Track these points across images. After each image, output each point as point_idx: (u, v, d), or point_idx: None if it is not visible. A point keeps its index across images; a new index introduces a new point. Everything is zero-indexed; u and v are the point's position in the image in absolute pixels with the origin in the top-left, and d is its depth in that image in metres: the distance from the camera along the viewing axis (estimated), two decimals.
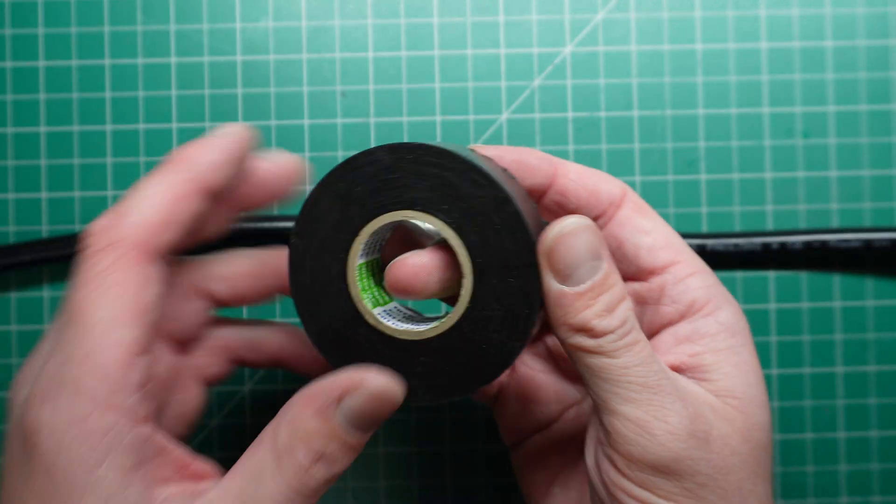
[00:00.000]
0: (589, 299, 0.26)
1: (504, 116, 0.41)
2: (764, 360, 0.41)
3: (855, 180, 0.41)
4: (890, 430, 0.41)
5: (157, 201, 0.26)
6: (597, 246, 0.27)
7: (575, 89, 0.41)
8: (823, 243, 0.39)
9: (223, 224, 0.31)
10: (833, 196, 0.41)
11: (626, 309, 0.27)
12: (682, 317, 0.30)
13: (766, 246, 0.40)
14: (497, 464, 0.41)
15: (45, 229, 0.40)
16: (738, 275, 0.41)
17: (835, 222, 0.41)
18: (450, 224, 0.27)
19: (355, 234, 0.28)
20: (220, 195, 0.28)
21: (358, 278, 0.28)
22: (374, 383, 0.26)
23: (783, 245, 0.40)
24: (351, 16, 0.41)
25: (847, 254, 0.40)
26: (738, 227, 0.41)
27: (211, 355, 0.32)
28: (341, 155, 0.41)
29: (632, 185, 0.41)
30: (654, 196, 0.41)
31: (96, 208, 0.40)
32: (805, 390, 0.41)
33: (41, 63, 0.40)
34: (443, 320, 0.28)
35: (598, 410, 0.27)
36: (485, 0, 0.41)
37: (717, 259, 0.40)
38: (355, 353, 0.28)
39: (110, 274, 0.25)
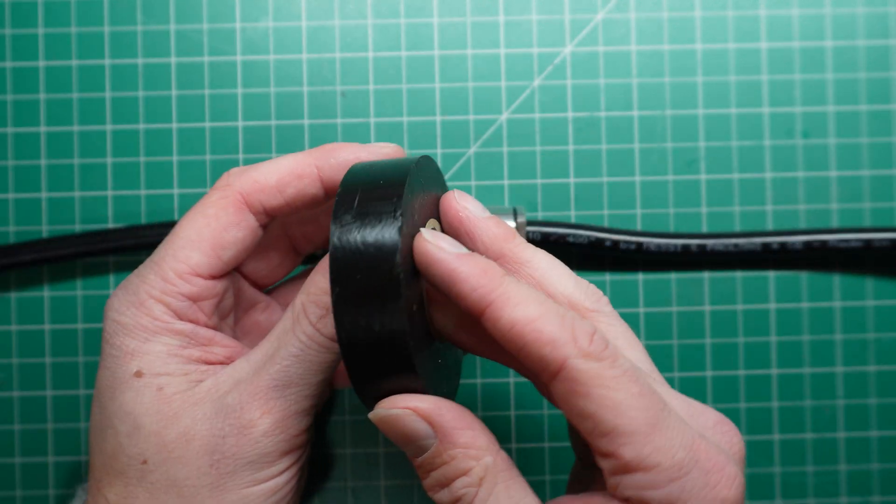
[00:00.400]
0: (422, 472, 0.27)
1: (504, 116, 0.41)
2: (763, 360, 0.41)
3: (855, 180, 0.41)
4: (890, 430, 0.41)
5: (280, 168, 0.32)
6: (415, 431, 0.26)
7: (575, 89, 0.41)
8: (823, 243, 0.39)
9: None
10: (833, 196, 0.41)
11: (461, 485, 0.26)
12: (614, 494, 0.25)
13: (766, 246, 0.40)
14: None
15: (45, 229, 0.40)
16: (738, 275, 0.41)
17: (835, 222, 0.41)
18: None
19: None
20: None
21: None
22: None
23: (783, 245, 0.40)
24: (351, 16, 0.41)
25: (847, 254, 0.40)
26: (738, 227, 0.41)
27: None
28: None
29: (631, 185, 0.41)
30: (654, 196, 0.41)
31: (96, 208, 0.40)
32: (805, 390, 0.41)
33: (41, 63, 0.40)
34: None
35: None
36: (485, 0, 0.41)
37: (716, 259, 0.40)
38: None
39: (209, 207, 0.31)
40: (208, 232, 0.31)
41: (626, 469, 0.25)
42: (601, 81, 0.41)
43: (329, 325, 0.29)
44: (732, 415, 0.41)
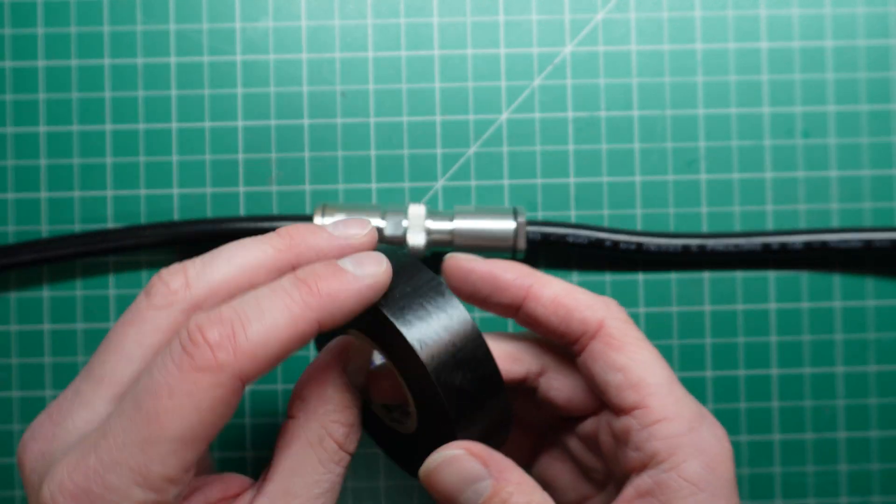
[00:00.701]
0: None
1: (504, 116, 0.41)
2: (764, 360, 0.41)
3: (855, 180, 0.41)
4: (890, 430, 0.41)
5: (276, 335, 0.25)
6: (470, 472, 0.27)
7: (575, 89, 0.41)
8: (823, 243, 0.39)
9: None
10: (833, 196, 0.41)
11: None
12: (644, 466, 0.28)
13: (766, 246, 0.40)
14: None
15: (45, 229, 0.40)
16: (738, 275, 0.41)
17: (835, 222, 0.41)
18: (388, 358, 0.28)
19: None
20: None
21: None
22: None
23: (783, 245, 0.40)
24: (351, 16, 0.41)
25: (847, 254, 0.40)
26: (738, 227, 0.41)
27: None
28: (341, 155, 0.41)
29: (631, 185, 0.41)
30: (654, 196, 0.41)
31: (96, 208, 0.40)
32: (805, 390, 0.41)
33: (41, 63, 0.40)
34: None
35: None
36: (485, 0, 0.41)
37: (717, 259, 0.40)
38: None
39: (203, 400, 0.24)
40: (203, 428, 0.24)
41: (654, 418, 0.28)
42: (601, 81, 0.41)
43: (354, 440, 0.28)
44: (732, 415, 0.41)
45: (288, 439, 0.27)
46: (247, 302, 0.25)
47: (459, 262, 0.30)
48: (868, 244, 0.39)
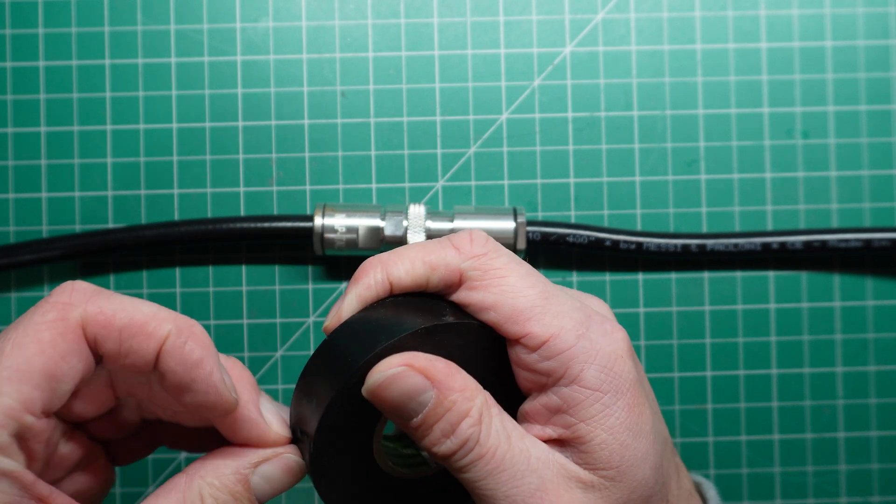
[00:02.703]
0: (424, 430, 0.27)
1: (504, 116, 0.41)
2: (764, 360, 0.41)
3: (855, 180, 0.41)
4: (890, 430, 0.41)
5: (133, 312, 0.26)
6: (414, 386, 0.27)
7: (575, 89, 0.41)
8: (823, 243, 0.39)
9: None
10: (833, 196, 0.41)
11: (467, 427, 0.27)
12: (546, 385, 0.29)
13: (766, 246, 0.40)
14: None
15: (45, 229, 0.40)
16: (738, 275, 0.41)
17: (835, 222, 0.41)
18: None
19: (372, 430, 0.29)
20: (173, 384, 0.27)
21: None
22: (291, 455, 0.29)
23: (783, 245, 0.40)
24: (351, 16, 0.41)
25: (847, 254, 0.40)
26: (738, 227, 0.41)
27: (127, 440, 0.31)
28: (341, 155, 0.41)
29: (631, 185, 0.41)
30: (654, 196, 0.41)
31: (96, 208, 0.40)
32: (805, 390, 0.41)
33: (41, 63, 0.40)
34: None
35: None
36: (485, 0, 0.41)
37: (716, 259, 0.40)
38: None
39: (44, 331, 0.25)
40: (41, 361, 0.25)
41: (539, 341, 0.28)
42: (601, 81, 0.41)
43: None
44: (732, 415, 0.41)
45: (168, 488, 0.28)
46: (131, 297, 0.27)
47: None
48: (868, 244, 0.39)
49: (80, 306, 0.26)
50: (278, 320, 0.41)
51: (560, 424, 0.29)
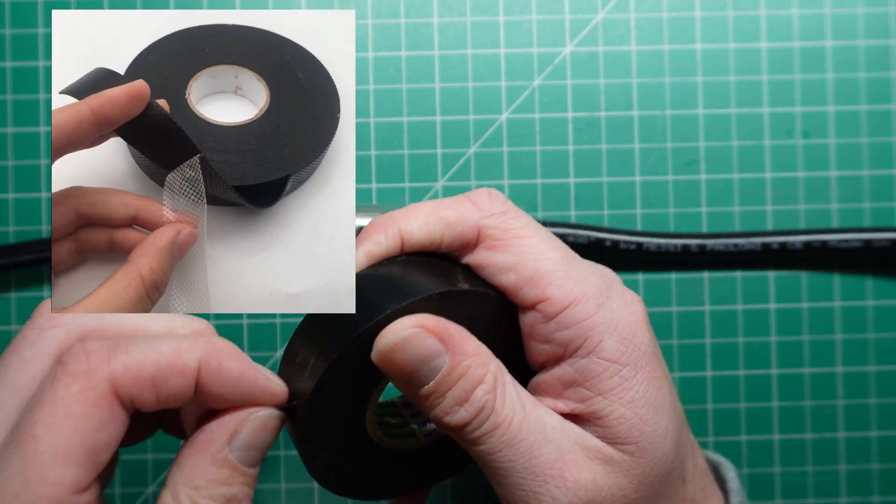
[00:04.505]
0: (436, 398, 0.26)
1: (504, 116, 0.41)
2: (763, 360, 0.41)
3: (855, 180, 0.41)
4: (890, 430, 0.41)
5: (158, 358, 0.24)
6: (428, 348, 0.26)
7: (575, 89, 0.41)
8: (823, 243, 0.39)
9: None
10: (833, 196, 0.41)
11: (483, 392, 0.26)
12: (561, 357, 0.27)
13: (766, 246, 0.40)
14: None
15: (45, 229, 0.40)
16: (738, 275, 0.41)
17: (835, 222, 0.41)
18: None
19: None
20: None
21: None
22: (260, 414, 0.26)
23: (783, 245, 0.40)
24: None
25: (847, 254, 0.40)
26: (738, 227, 0.41)
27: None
28: None
29: (631, 185, 0.41)
30: (654, 196, 0.41)
31: None
32: (805, 390, 0.41)
33: (41, 63, 0.40)
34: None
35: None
36: (485, 0, 0.41)
37: (716, 259, 0.40)
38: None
39: (73, 405, 0.23)
40: (79, 437, 0.23)
41: (559, 307, 0.27)
42: (601, 81, 0.41)
43: None
44: (732, 415, 0.41)
45: None
46: (139, 337, 0.25)
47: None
48: (868, 244, 0.39)
49: (103, 370, 0.24)
50: (278, 321, 0.41)
51: (574, 398, 0.27)
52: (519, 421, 0.26)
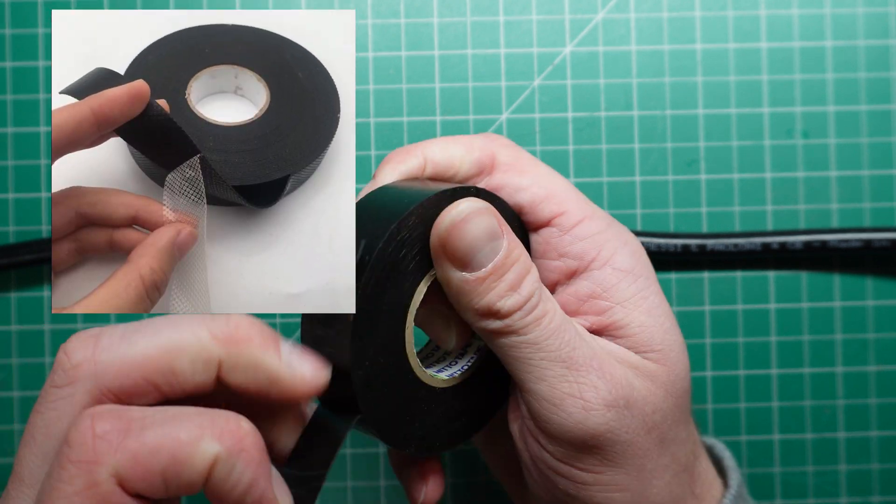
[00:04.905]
0: (492, 282, 0.26)
1: (504, 116, 0.41)
2: (764, 360, 0.41)
3: (855, 180, 0.41)
4: (890, 430, 0.41)
5: (172, 447, 0.22)
6: (492, 227, 0.26)
7: (575, 89, 0.41)
8: (823, 243, 0.39)
9: None
10: (833, 196, 0.41)
11: (532, 281, 0.26)
12: (576, 271, 0.28)
13: (766, 246, 0.40)
14: None
15: (45, 229, 0.40)
16: (738, 275, 0.41)
17: (835, 222, 0.41)
18: None
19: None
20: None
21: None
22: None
23: (783, 245, 0.40)
24: None
25: (847, 254, 0.40)
26: (738, 227, 0.41)
27: None
28: None
29: (631, 185, 0.41)
30: (654, 196, 0.41)
31: None
32: (805, 390, 0.41)
33: (41, 63, 0.40)
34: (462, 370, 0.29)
35: (517, 388, 0.28)
36: (485, 0, 0.41)
37: (716, 259, 0.40)
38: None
39: (74, 496, 0.21)
40: None
41: (575, 220, 0.28)
42: (601, 81, 0.41)
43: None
44: (732, 415, 0.41)
45: None
46: (160, 411, 0.22)
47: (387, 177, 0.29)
48: (868, 244, 0.39)
49: (109, 462, 0.21)
50: (278, 321, 0.41)
51: (593, 311, 0.28)
52: (560, 314, 0.27)
